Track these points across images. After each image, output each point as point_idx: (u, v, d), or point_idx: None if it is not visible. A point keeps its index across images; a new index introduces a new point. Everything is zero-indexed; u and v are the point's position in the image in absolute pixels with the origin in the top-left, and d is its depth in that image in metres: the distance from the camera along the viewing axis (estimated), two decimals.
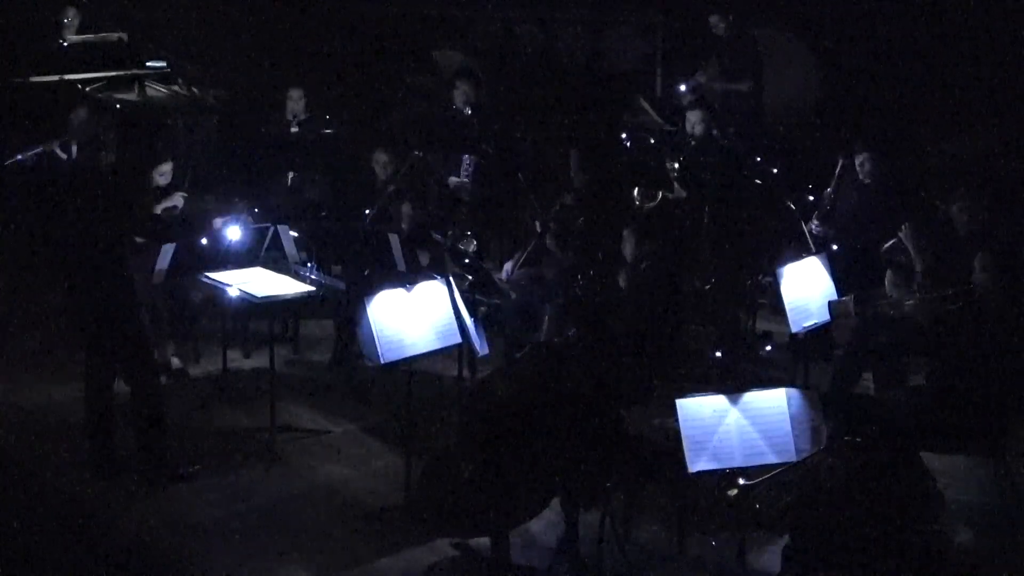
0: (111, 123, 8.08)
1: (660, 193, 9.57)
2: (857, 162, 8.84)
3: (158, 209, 8.35)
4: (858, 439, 5.74)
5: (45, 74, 11.37)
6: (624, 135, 10.88)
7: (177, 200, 8.52)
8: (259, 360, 8.79)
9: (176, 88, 12.02)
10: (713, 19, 10.74)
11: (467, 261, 8.84)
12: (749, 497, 5.75)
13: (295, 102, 10.45)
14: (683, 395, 6.13)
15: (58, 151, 9.81)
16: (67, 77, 11.40)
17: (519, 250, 9.24)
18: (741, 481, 5.74)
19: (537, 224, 9.10)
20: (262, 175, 10.63)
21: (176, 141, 11.18)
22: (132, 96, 11.71)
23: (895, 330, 7.46)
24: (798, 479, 5.85)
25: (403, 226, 8.92)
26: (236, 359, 8.84)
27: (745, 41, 10.83)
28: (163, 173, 8.56)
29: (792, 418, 6.01)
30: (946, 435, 6.65)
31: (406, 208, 9.04)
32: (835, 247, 8.69)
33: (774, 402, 6.04)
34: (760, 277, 9.13)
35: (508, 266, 9.04)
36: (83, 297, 7.14)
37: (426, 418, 7.53)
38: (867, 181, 8.82)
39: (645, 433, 6.74)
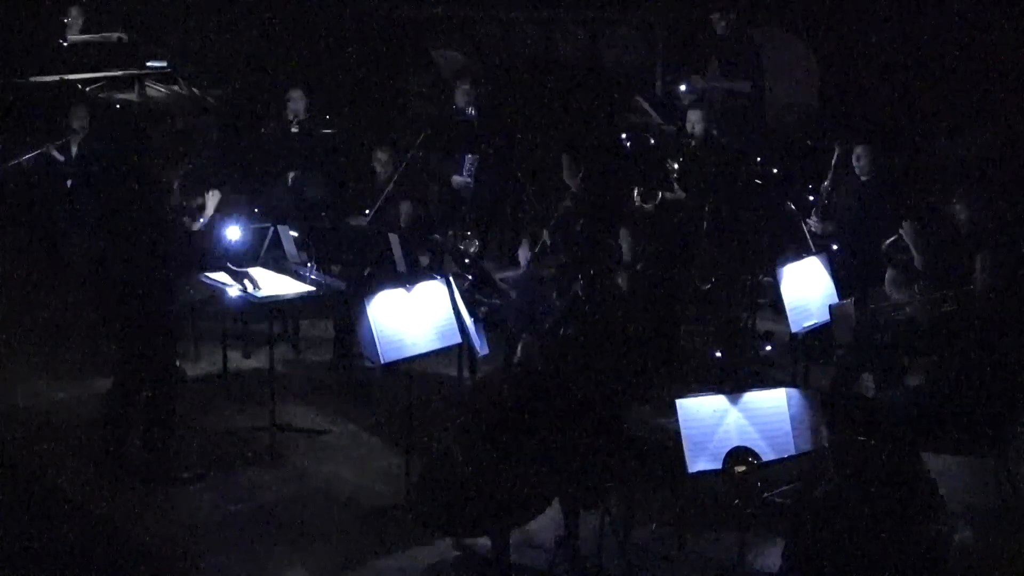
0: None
1: (660, 193, 9.57)
2: (854, 157, 8.83)
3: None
4: (858, 439, 5.74)
5: (46, 74, 11.38)
6: (624, 135, 10.87)
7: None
8: (259, 360, 8.79)
9: (176, 88, 12.03)
10: (715, 17, 10.73)
11: (467, 261, 8.84)
12: (755, 476, 5.72)
13: (295, 102, 10.44)
14: (683, 395, 6.13)
15: (55, 153, 9.81)
16: (67, 77, 11.41)
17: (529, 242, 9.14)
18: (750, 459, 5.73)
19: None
20: (262, 175, 10.63)
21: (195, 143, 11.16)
22: (132, 96, 11.73)
23: (895, 330, 7.45)
24: (802, 471, 5.85)
25: (402, 225, 8.92)
26: (236, 359, 8.84)
27: (745, 41, 10.82)
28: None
29: (792, 418, 6.00)
30: (946, 435, 6.65)
31: (405, 207, 9.03)
32: (835, 247, 8.69)
33: (774, 402, 6.03)
34: (760, 277, 9.13)
35: (523, 255, 8.92)
36: (123, 295, 7.07)
37: (426, 418, 7.53)
38: (864, 178, 8.81)
39: (645, 433, 6.75)
